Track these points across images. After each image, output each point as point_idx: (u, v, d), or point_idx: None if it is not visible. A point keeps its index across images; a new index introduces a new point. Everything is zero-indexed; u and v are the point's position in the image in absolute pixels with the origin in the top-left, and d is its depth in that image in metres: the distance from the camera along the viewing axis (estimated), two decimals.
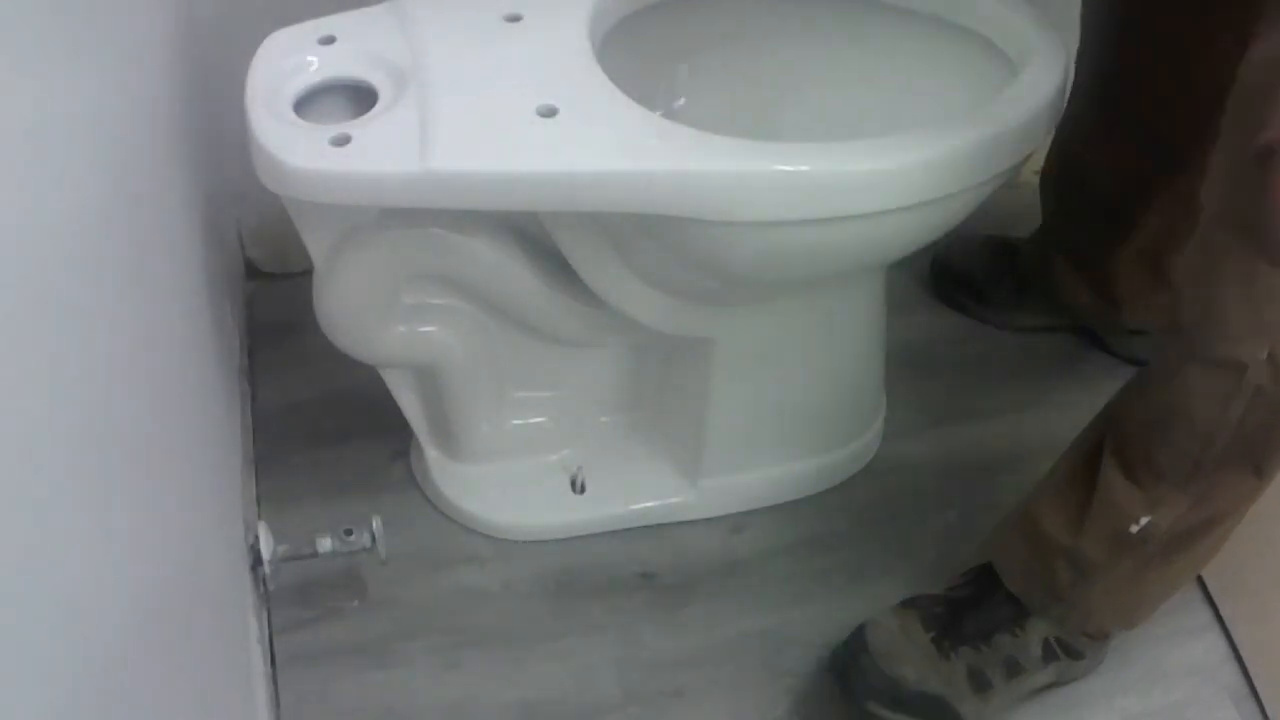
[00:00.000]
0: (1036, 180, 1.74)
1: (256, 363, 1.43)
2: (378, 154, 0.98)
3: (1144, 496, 1.04)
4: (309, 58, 1.06)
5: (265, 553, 1.12)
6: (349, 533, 1.17)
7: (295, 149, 0.98)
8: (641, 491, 1.31)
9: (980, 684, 1.10)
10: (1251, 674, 1.21)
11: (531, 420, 1.30)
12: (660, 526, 1.31)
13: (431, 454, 1.30)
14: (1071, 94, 1.17)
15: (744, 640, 1.22)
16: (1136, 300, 1.40)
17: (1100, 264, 1.40)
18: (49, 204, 0.61)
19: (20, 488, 0.50)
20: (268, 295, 1.50)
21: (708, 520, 1.32)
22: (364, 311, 1.15)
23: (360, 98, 1.04)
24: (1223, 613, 1.25)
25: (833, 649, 1.15)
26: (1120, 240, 1.37)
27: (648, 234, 1.07)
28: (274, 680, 1.16)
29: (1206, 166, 0.99)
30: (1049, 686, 1.16)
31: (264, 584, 1.15)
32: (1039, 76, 1.07)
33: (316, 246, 1.12)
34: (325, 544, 1.16)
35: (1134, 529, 1.04)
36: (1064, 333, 1.51)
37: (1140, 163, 1.29)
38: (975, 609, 1.13)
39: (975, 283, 1.53)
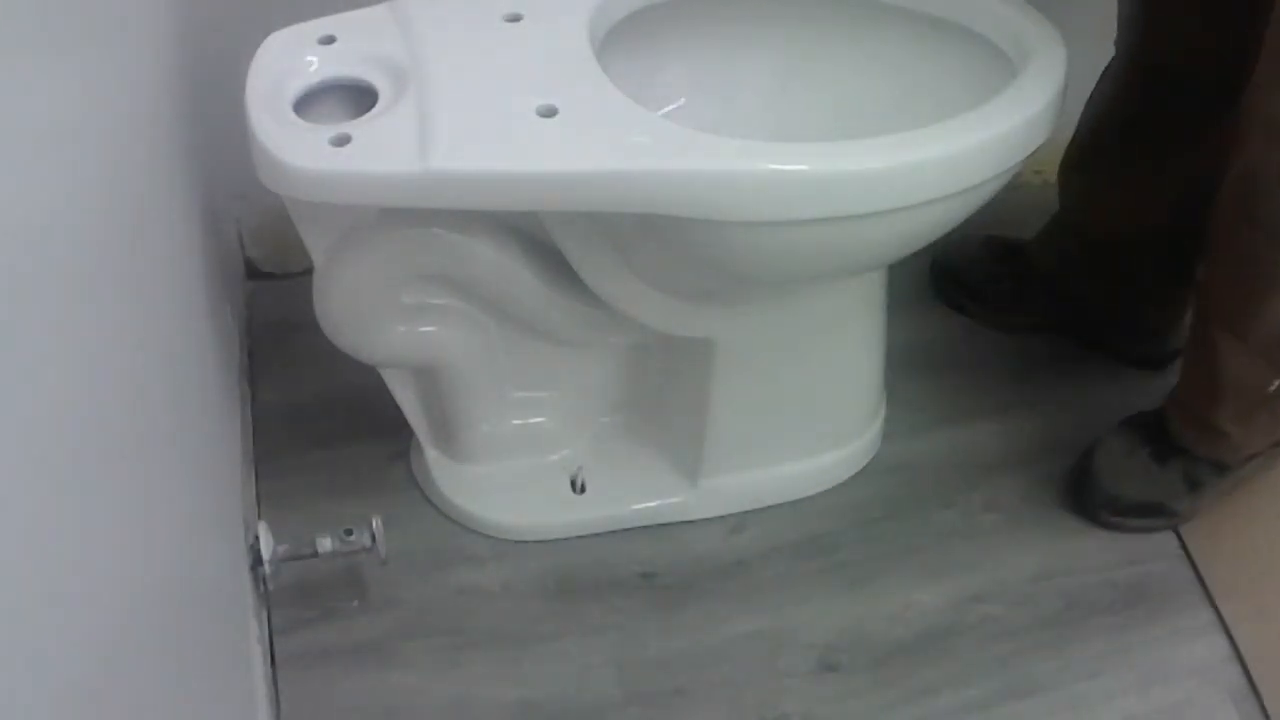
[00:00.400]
0: (1037, 180, 1.74)
1: (256, 363, 1.43)
2: (378, 154, 0.98)
3: (1266, 361, 1.20)
4: (309, 58, 1.06)
5: (265, 553, 1.12)
6: (349, 533, 1.17)
7: (295, 149, 0.98)
8: (641, 491, 1.31)
9: (1193, 483, 1.29)
10: (1253, 674, 1.21)
11: (531, 420, 1.30)
12: (660, 526, 1.31)
13: (431, 454, 1.30)
14: (1106, 73, 1.26)
15: (744, 640, 1.22)
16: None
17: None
18: (48, 204, 0.61)
19: (19, 488, 0.50)
20: (268, 295, 1.50)
21: (708, 520, 1.32)
22: (364, 311, 1.15)
23: (360, 98, 1.04)
24: (1223, 612, 1.25)
25: (1066, 470, 1.34)
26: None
27: (648, 234, 1.07)
28: (274, 680, 1.16)
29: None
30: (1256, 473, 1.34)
31: (264, 584, 1.15)
32: (1039, 76, 1.07)
33: (316, 246, 1.12)
34: (325, 544, 1.16)
35: (1271, 389, 1.22)
36: (1061, 333, 1.51)
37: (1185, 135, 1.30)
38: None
39: (974, 282, 1.53)
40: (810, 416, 1.31)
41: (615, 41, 1.13)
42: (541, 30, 1.08)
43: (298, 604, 1.22)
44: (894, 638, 1.23)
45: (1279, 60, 1.05)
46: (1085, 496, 1.32)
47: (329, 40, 1.07)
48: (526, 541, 1.29)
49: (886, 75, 1.22)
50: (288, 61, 1.06)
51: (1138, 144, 1.33)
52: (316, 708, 1.16)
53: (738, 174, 0.99)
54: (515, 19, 1.09)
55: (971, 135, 1.03)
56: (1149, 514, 1.30)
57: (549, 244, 1.13)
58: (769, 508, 1.33)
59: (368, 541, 1.17)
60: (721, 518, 1.32)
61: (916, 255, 1.15)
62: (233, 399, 1.27)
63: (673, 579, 1.27)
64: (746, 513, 1.32)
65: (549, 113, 1.00)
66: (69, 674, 0.53)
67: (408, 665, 1.19)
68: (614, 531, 1.30)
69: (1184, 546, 1.31)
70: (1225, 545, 1.31)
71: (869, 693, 1.19)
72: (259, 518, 1.22)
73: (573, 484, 1.30)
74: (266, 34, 1.08)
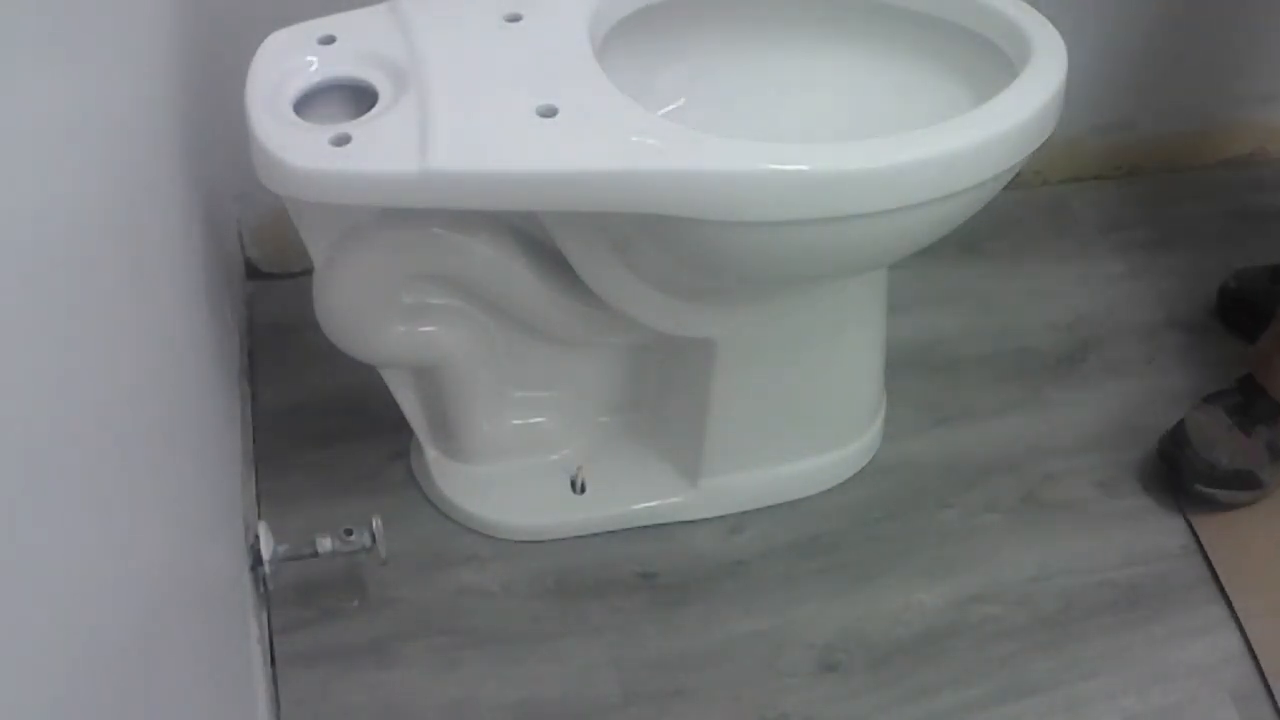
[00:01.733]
0: (1037, 180, 1.74)
1: (256, 363, 1.43)
2: (378, 154, 0.98)
3: None
4: (309, 58, 1.06)
5: (265, 553, 1.12)
6: (349, 533, 1.17)
7: (295, 149, 0.98)
8: (641, 491, 1.31)
9: (1275, 453, 1.34)
10: (1265, 670, 1.21)
11: (531, 420, 1.30)
12: (660, 526, 1.31)
13: (431, 454, 1.30)
14: None
15: (744, 640, 1.22)
16: None
17: None
18: (49, 204, 0.61)
19: (20, 488, 0.50)
20: (268, 295, 1.50)
21: (708, 520, 1.32)
22: (364, 311, 1.15)
23: (360, 98, 1.04)
24: (1236, 607, 1.25)
25: (1159, 444, 1.37)
26: None
27: (648, 234, 1.07)
28: (274, 680, 1.16)
29: None
30: None
31: (264, 584, 1.15)
32: (1039, 76, 1.07)
33: (316, 246, 1.12)
34: (325, 544, 1.16)
35: None
36: None
37: None
38: (1263, 394, 1.35)
39: (1264, 311, 1.52)
40: (810, 416, 1.31)
41: (615, 41, 1.13)
42: (541, 30, 1.08)
43: (298, 604, 1.22)
44: (894, 638, 1.23)
45: None
46: (1180, 469, 1.34)
47: (329, 40, 1.07)
48: (526, 541, 1.29)
49: (886, 75, 1.22)
50: (288, 61, 1.06)
51: None
52: (316, 708, 1.16)
53: (738, 174, 0.99)
54: (515, 19, 1.09)
55: (971, 135, 1.03)
56: (1240, 484, 1.33)
57: (549, 244, 1.13)
58: (769, 508, 1.33)
59: (368, 541, 1.17)
60: (721, 518, 1.32)
61: (927, 255, 1.15)
62: (233, 399, 1.27)
63: (673, 579, 1.27)
64: (746, 513, 1.32)
65: (549, 113, 1.00)
66: (69, 674, 0.53)
67: (408, 665, 1.19)
68: (614, 531, 1.30)
69: (1199, 541, 1.31)
70: (1241, 540, 1.31)
71: (869, 693, 1.19)
72: (259, 518, 1.22)
73: (573, 484, 1.30)
74: (266, 34, 1.08)
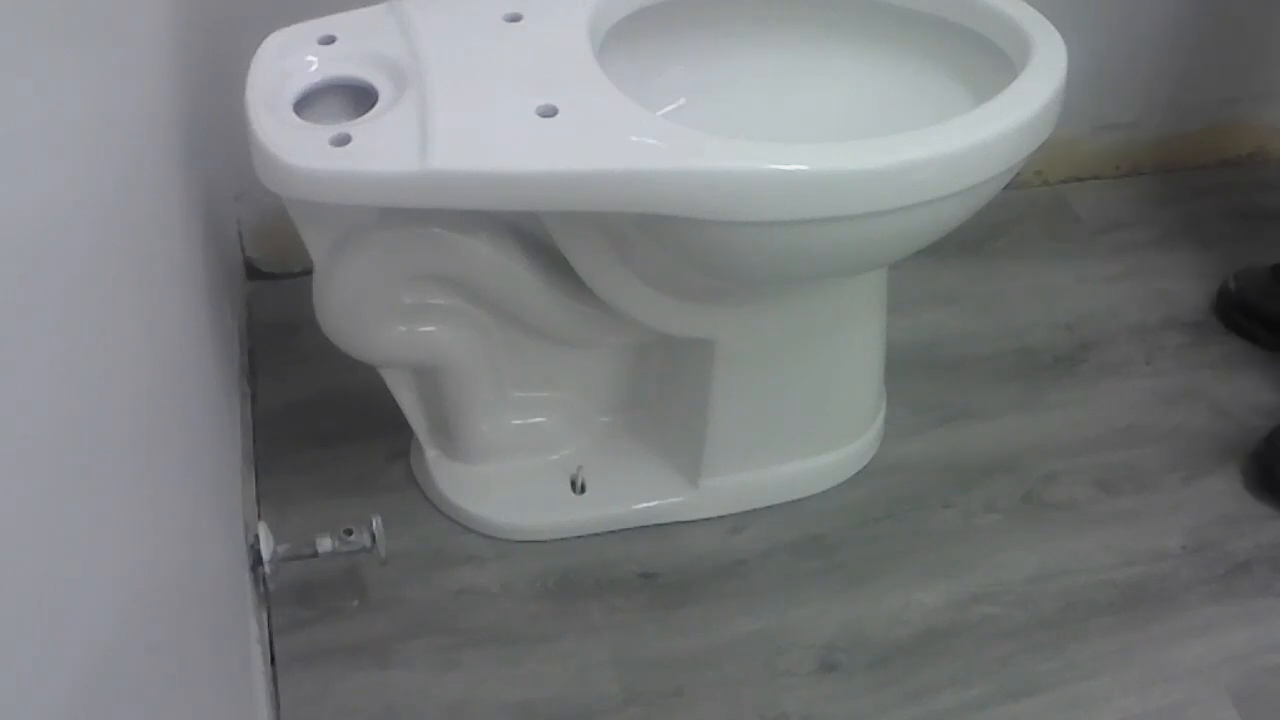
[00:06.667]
0: (1037, 180, 1.74)
1: (256, 363, 1.43)
2: (378, 154, 0.98)
3: None
4: (309, 58, 1.06)
5: (265, 553, 1.12)
6: (349, 533, 1.17)
7: (295, 149, 0.98)
8: (641, 491, 1.31)
9: None
10: None
11: (531, 420, 1.30)
12: (660, 526, 1.31)
13: (431, 454, 1.31)
14: None
15: (744, 640, 1.22)
16: None
17: None
18: (49, 204, 0.61)
19: (19, 487, 0.50)
20: (268, 295, 1.50)
21: (708, 520, 1.32)
22: (364, 312, 1.15)
23: (360, 98, 1.04)
24: None
25: (1253, 451, 1.40)
26: None
27: (648, 234, 1.07)
28: (274, 680, 1.16)
29: None
30: None
31: (264, 584, 1.15)
32: (1039, 76, 1.07)
33: (316, 246, 1.12)
34: (325, 544, 1.16)
35: None
36: None
37: None
38: None
39: (1265, 311, 1.53)
40: (810, 416, 1.31)
41: (615, 41, 1.13)
42: (541, 30, 1.08)
43: (298, 604, 1.22)
44: (894, 638, 1.23)
45: None
46: (1273, 471, 1.38)
47: (329, 40, 1.07)
48: (526, 541, 1.29)
49: (887, 75, 1.22)
50: (288, 61, 1.06)
51: None
52: (316, 708, 1.16)
53: (738, 174, 0.99)
54: (515, 19, 1.09)
55: (971, 135, 1.03)
56: None
57: (549, 244, 1.13)
58: (769, 508, 1.33)
59: (368, 541, 1.17)
60: (721, 518, 1.32)
61: (927, 255, 1.15)
62: (233, 399, 1.27)
63: (673, 579, 1.27)
64: (746, 513, 1.32)
65: (549, 113, 1.00)
66: (69, 674, 0.53)
67: (408, 665, 1.19)
68: (614, 531, 1.30)
69: None
70: None
71: (869, 693, 1.19)
72: (259, 518, 1.22)
73: (573, 484, 1.30)
74: (266, 34, 1.08)
